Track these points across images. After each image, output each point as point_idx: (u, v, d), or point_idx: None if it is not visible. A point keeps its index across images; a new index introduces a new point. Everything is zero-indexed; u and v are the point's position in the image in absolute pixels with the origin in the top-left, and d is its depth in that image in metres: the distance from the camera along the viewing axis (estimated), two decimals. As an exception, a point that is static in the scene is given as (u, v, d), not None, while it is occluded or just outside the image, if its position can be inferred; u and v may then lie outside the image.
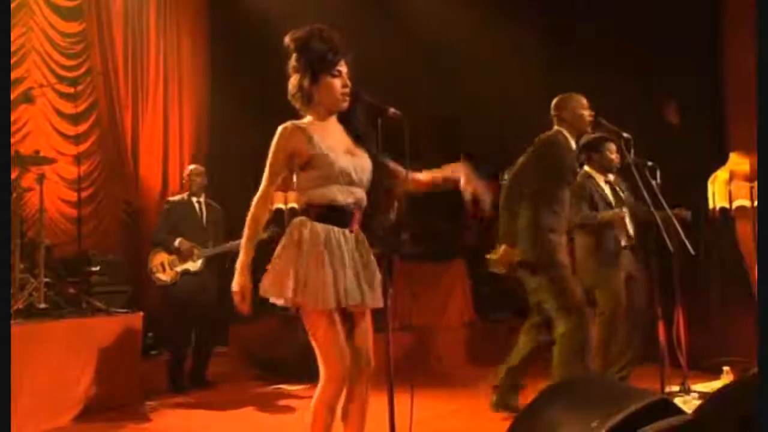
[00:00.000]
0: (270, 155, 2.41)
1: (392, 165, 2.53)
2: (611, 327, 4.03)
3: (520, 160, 3.78)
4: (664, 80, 6.27)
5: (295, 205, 4.93)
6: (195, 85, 7.44)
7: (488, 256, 3.79)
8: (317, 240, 2.34)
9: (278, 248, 2.40)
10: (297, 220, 2.41)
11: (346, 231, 2.40)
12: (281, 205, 6.10)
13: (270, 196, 2.45)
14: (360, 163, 2.44)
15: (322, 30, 2.39)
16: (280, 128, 2.41)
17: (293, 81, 2.42)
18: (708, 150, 5.94)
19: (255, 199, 2.43)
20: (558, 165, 3.75)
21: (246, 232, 2.42)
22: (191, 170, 5.28)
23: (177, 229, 5.04)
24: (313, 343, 2.38)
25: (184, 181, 5.30)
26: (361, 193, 2.44)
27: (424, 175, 2.56)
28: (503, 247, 3.65)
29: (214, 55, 7.55)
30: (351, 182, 2.40)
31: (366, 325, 2.49)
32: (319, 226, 2.36)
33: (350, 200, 2.41)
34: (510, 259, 3.64)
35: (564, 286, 3.66)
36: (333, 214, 2.38)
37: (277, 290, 2.34)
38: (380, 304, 2.46)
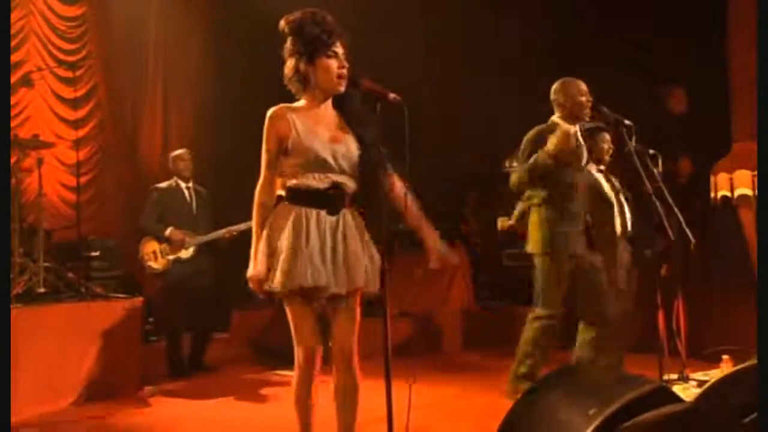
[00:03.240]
0: (264, 140, 2.42)
1: (390, 179, 2.47)
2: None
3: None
4: (668, 70, 6.23)
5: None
6: (197, 69, 7.39)
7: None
8: (283, 221, 2.35)
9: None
10: (278, 206, 2.43)
11: (322, 212, 2.37)
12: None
13: (272, 181, 2.44)
14: (342, 150, 2.40)
15: (315, 12, 2.38)
16: (269, 111, 2.41)
17: (289, 65, 2.41)
18: (711, 139, 5.91)
19: (258, 187, 2.44)
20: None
21: (255, 219, 2.43)
22: (179, 155, 5.15)
23: (167, 216, 4.98)
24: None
25: (170, 166, 5.16)
26: (342, 179, 2.40)
27: (414, 219, 2.49)
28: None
29: (216, 38, 7.48)
30: (329, 169, 2.37)
31: (347, 313, 2.45)
32: (288, 207, 2.37)
33: (327, 185, 2.38)
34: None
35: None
36: (307, 196, 2.37)
37: (253, 272, 2.37)
38: (356, 285, 2.39)
